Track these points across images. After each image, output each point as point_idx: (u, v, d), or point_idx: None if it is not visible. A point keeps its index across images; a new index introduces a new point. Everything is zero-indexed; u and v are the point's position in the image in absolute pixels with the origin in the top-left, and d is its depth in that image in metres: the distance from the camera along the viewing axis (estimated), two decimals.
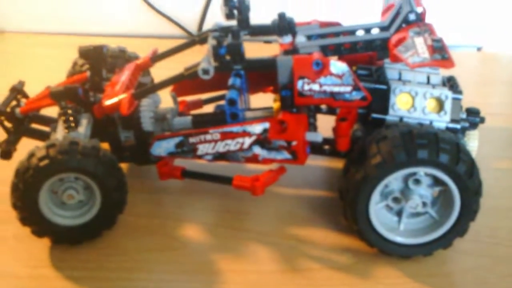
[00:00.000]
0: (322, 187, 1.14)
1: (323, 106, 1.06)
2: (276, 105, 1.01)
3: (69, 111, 0.99)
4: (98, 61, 1.05)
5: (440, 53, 0.89)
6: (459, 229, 0.93)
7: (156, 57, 1.10)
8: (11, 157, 1.03)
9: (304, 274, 0.95)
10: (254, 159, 0.98)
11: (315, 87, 0.92)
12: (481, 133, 1.04)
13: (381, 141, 0.90)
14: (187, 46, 1.09)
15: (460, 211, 0.92)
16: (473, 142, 1.03)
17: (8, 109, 1.05)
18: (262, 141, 0.96)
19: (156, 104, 1.04)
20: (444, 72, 0.99)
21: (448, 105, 0.95)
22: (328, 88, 0.92)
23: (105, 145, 1.03)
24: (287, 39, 1.02)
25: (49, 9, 1.82)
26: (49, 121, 1.08)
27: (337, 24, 1.08)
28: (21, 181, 0.89)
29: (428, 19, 0.99)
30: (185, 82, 1.01)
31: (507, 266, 0.97)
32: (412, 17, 0.97)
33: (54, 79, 1.14)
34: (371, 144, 0.91)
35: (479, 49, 1.83)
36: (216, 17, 1.72)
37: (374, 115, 0.97)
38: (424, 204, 0.93)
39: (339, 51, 1.00)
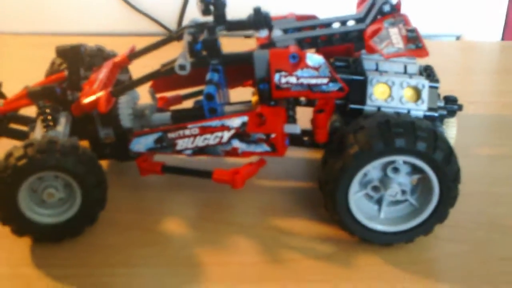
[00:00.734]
0: (303, 178, 1.14)
1: (302, 99, 1.06)
2: (254, 98, 1.01)
3: (47, 110, 0.99)
4: (76, 60, 1.05)
5: (414, 42, 0.90)
6: (439, 215, 0.94)
7: (134, 55, 1.10)
8: None
9: (286, 265, 0.95)
10: (234, 152, 0.99)
11: (292, 79, 0.93)
12: (461, 121, 1.05)
13: (359, 131, 0.90)
14: (165, 43, 1.09)
15: (439, 198, 0.93)
16: (451, 129, 1.04)
17: None
18: (241, 134, 0.97)
19: (134, 101, 1.04)
20: (422, 61, 1.00)
21: (425, 94, 0.96)
22: (305, 81, 0.93)
23: (85, 143, 1.04)
24: (264, 33, 1.02)
25: (25, 8, 1.81)
26: (28, 121, 1.08)
27: (313, 17, 1.09)
28: (0, 181, 0.89)
29: (406, 9, 1.00)
30: (164, 78, 1.01)
31: (488, 251, 0.98)
32: (386, 8, 0.98)
33: (32, 79, 1.13)
34: (349, 134, 0.91)
35: (458, 37, 1.84)
36: (195, 13, 1.75)
37: (352, 106, 0.98)
38: (404, 192, 0.94)
39: (316, 43, 1.01)
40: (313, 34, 1.00)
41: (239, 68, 1.02)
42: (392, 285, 0.92)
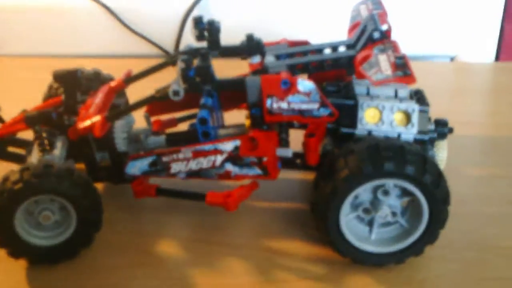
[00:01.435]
0: (296, 199, 1.16)
1: (295, 122, 1.08)
2: (248, 122, 1.03)
3: (44, 135, 1.01)
4: (73, 85, 1.07)
5: (402, 70, 0.92)
6: (429, 237, 0.96)
7: (130, 79, 1.12)
8: None
9: (280, 286, 0.97)
10: (227, 175, 1.00)
11: (284, 105, 0.95)
12: (454, 142, 1.07)
13: (349, 155, 0.92)
14: (160, 68, 1.11)
15: (429, 220, 0.94)
16: (442, 152, 1.05)
17: None
18: (234, 158, 0.98)
19: (129, 125, 1.06)
20: (415, 84, 1.01)
21: (415, 118, 0.98)
22: (296, 106, 0.95)
23: (81, 166, 1.06)
24: (256, 59, 1.04)
25: (23, 30, 1.83)
26: (26, 144, 1.10)
27: (306, 42, 1.11)
28: None
29: (401, 30, 1.01)
30: (159, 102, 1.03)
31: (478, 270, 0.99)
32: (376, 35, 1.00)
33: (30, 101, 1.15)
34: (339, 158, 0.93)
35: (452, 59, 1.86)
36: (192, 35, 1.77)
37: (344, 130, 1.00)
38: (394, 214, 0.96)
39: (307, 69, 1.03)
40: (305, 60, 1.02)
41: (233, 92, 1.04)
42: None
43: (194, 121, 1.12)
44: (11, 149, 1.11)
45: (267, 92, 0.94)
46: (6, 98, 1.22)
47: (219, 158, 0.99)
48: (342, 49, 1.06)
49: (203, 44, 1.06)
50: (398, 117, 0.99)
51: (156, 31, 1.83)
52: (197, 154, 0.99)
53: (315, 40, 1.12)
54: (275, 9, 1.80)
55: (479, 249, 1.03)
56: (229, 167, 0.99)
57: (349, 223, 0.97)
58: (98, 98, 1.06)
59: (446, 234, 0.97)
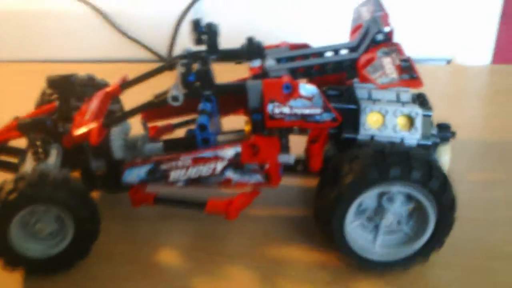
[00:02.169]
0: (297, 206, 1.13)
1: (295, 128, 1.06)
2: (247, 127, 1.01)
3: (38, 143, 0.98)
4: (67, 91, 1.04)
5: (408, 73, 0.90)
6: (435, 244, 0.94)
7: (126, 84, 1.09)
8: None
9: None
10: (227, 183, 0.98)
11: (286, 110, 0.93)
12: (453, 146, 1.05)
13: (353, 160, 0.90)
14: (157, 73, 1.09)
15: (435, 227, 0.93)
16: (445, 156, 1.03)
17: None
18: (235, 165, 0.96)
19: (126, 132, 1.04)
20: (414, 89, 1.00)
21: (418, 122, 0.96)
22: (298, 111, 0.93)
23: (76, 174, 1.03)
24: (257, 62, 1.02)
25: (15, 36, 1.80)
26: (18, 152, 1.06)
27: (306, 45, 1.09)
28: None
29: (397, 33, 1.00)
30: (156, 107, 1.00)
31: (483, 278, 0.97)
32: (379, 37, 0.98)
33: (22, 107, 1.13)
34: (344, 163, 0.91)
35: (448, 61, 1.85)
36: (186, 39, 1.75)
37: (346, 135, 0.97)
38: (399, 221, 0.94)
39: (309, 73, 1.00)
40: (307, 64, 1.00)
41: (232, 97, 1.01)
42: None
43: (191, 127, 1.10)
44: (2, 157, 1.08)
45: (268, 97, 0.92)
46: None
47: (220, 165, 0.96)
48: (344, 52, 1.04)
49: (202, 47, 1.04)
50: (401, 121, 0.97)
51: (149, 35, 1.81)
52: (196, 161, 0.96)
53: (313, 42, 1.10)
54: (271, 11, 1.78)
55: (484, 256, 1.01)
56: (230, 174, 0.97)
57: (353, 230, 0.95)
58: (94, 104, 1.04)
59: (450, 241, 0.95)
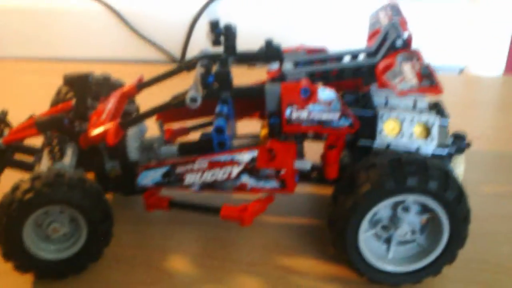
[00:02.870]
0: (309, 214, 1.13)
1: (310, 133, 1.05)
2: (263, 132, 1.00)
3: (54, 142, 0.98)
4: (83, 90, 1.04)
5: (428, 79, 0.89)
6: (448, 256, 0.93)
7: (142, 85, 1.09)
8: None
9: None
10: (242, 188, 0.97)
11: (303, 114, 0.92)
12: (465, 157, 1.04)
13: (370, 168, 0.89)
14: (174, 73, 1.08)
15: (449, 238, 0.92)
16: (459, 167, 1.02)
17: None
18: (250, 170, 0.95)
19: (142, 133, 1.03)
20: (430, 97, 0.99)
21: (435, 131, 0.95)
22: (316, 115, 0.92)
23: (90, 175, 1.02)
24: (274, 66, 1.02)
25: (31, 34, 1.81)
26: (33, 151, 1.06)
27: (324, 50, 1.08)
28: (5, 215, 0.87)
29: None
30: (171, 109, 1.00)
31: None
32: (399, 43, 0.98)
33: (37, 106, 1.13)
34: (360, 172, 0.90)
35: (461, 71, 1.84)
36: (200, 41, 1.75)
37: (362, 142, 0.97)
38: (413, 231, 0.93)
39: (327, 77, 1.00)
40: (325, 68, 1.00)
41: (247, 100, 1.01)
42: None
43: (206, 130, 1.10)
44: (17, 156, 1.08)
45: (286, 101, 0.91)
46: (12, 102, 1.19)
47: (235, 170, 0.96)
48: (361, 57, 1.03)
49: (219, 49, 1.03)
50: (417, 129, 0.96)
51: (163, 37, 1.81)
52: (212, 165, 0.96)
53: (330, 47, 1.09)
54: (286, 15, 1.78)
55: (495, 270, 1.00)
56: (245, 179, 0.96)
57: (367, 240, 0.94)
58: (110, 104, 1.03)
59: (462, 254, 0.94)
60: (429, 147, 0.96)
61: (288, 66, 1.01)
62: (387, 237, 0.95)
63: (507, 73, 1.81)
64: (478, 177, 1.25)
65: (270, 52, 1.02)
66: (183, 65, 1.08)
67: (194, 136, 1.11)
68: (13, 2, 1.81)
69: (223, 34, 1.02)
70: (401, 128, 0.95)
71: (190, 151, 1.01)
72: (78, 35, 1.81)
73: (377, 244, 0.96)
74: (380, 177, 0.88)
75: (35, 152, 1.05)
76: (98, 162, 1.01)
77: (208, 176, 0.97)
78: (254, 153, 0.94)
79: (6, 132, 1.05)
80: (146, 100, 1.09)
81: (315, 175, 1.05)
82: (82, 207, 0.89)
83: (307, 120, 0.92)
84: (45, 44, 1.82)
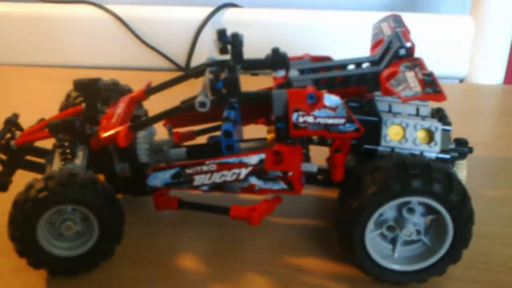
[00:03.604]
0: (315, 216, 1.15)
1: (315, 138, 1.07)
2: (270, 136, 1.02)
3: (66, 143, 1.00)
4: (94, 94, 1.06)
5: (431, 87, 0.91)
6: (453, 256, 0.95)
7: (151, 90, 1.11)
8: (7, 189, 1.04)
9: None
10: (251, 189, 0.99)
11: (310, 119, 0.94)
12: (467, 162, 1.06)
13: (376, 171, 0.91)
14: (182, 80, 1.10)
15: (453, 239, 0.93)
16: (461, 171, 1.05)
17: (3, 141, 1.05)
18: (259, 171, 0.97)
19: (151, 136, 1.05)
20: (433, 104, 1.01)
21: (438, 136, 0.98)
22: (322, 120, 0.94)
23: (100, 176, 1.04)
24: (281, 73, 1.04)
25: (40, 41, 1.83)
26: (44, 153, 1.08)
27: (328, 58, 1.11)
28: (20, 213, 0.89)
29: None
30: (179, 114, 1.02)
31: None
32: (402, 52, 1.00)
33: (45, 111, 1.14)
34: (366, 174, 0.92)
35: (461, 80, 1.87)
36: (204, 50, 1.77)
37: (367, 146, 0.99)
38: (418, 232, 0.95)
39: (332, 84, 1.02)
40: (330, 75, 1.02)
41: (254, 106, 1.03)
42: None
43: (212, 134, 1.12)
44: (28, 158, 1.10)
45: (293, 106, 0.94)
46: (21, 106, 1.21)
47: (244, 171, 0.98)
48: (365, 65, 1.06)
49: (226, 57, 1.05)
50: (421, 135, 0.98)
51: (168, 45, 1.83)
52: (221, 167, 0.98)
53: (333, 56, 1.12)
54: (289, 25, 1.80)
55: (499, 270, 1.03)
56: (253, 180, 0.98)
57: (373, 240, 0.96)
58: (120, 108, 1.05)
59: (466, 255, 0.96)
60: (432, 152, 0.98)
61: (294, 73, 1.03)
62: (393, 237, 0.97)
63: (507, 81, 1.84)
64: (480, 181, 1.27)
65: (276, 60, 1.04)
66: (190, 72, 1.10)
67: (201, 140, 1.14)
68: (23, 9, 1.84)
69: (230, 42, 1.04)
70: (405, 133, 0.98)
71: (199, 153, 1.03)
72: (85, 43, 1.83)
73: (383, 243, 0.98)
74: (386, 179, 0.90)
75: (46, 154, 1.07)
76: (108, 164, 1.03)
77: (217, 178, 0.99)
78: (261, 156, 0.97)
79: (18, 134, 1.07)
80: (154, 106, 1.11)
81: (321, 177, 1.07)
82: (94, 207, 0.91)
83: (313, 125, 0.95)
84: (53, 52, 1.84)
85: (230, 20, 1.80)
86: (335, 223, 0.97)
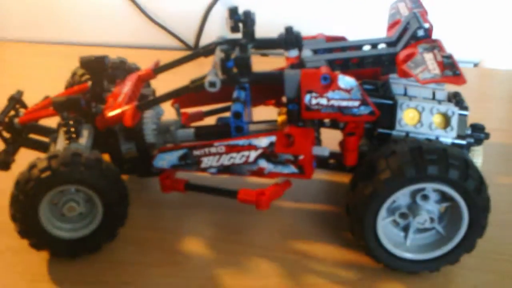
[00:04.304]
0: (324, 201, 1.12)
1: (327, 120, 1.04)
2: (280, 118, 0.99)
3: (71, 122, 0.97)
4: (100, 72, 1.03)
5: (451, 69, 0.88)
6: (467, 245, 0.93)
7: (159, 69, 1.08)
8: (10, 167, 1.02)
9: None
10: (260, 172, 0.96)
11: (323, 101, 0.91)
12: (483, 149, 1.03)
13: (390, 156, 0.89)
14: (192, 58, 1.08)
15: (468, 227, 0.91)
16: (477, 158, 1.02)
17: (7, 119, 1.03)
18: (268, 154, 0.95)
19: (158, 116, 1.02)
20: (449, 88, 0.98)
21: (454, 121, 0.95)
22: (336, 103, 0.91)
23: (105, 157, 1.02)
24: (294, 53, 1.01)
25: (46, 18, 1.80)
26: (48, 132, 1.06)
27: (343, 38, 1.07)
28: (22, 193, 0.87)
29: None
30: (188, 94, 0.99)
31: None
32: (420, 33, 0.97)
33: (51, 89, 1.12)
34: (380, 159, 0.90)
35: (475, 64, 1.83)
36: (214, 29, 1.74)
37: (381, 130, 0.96)
38: (432, 220, 0.92)
39: (347, 65, 0.99)
40: (345, 56, 0.99)
41: (264, 87, 1.00)
42: None
43: (221, 115, 1.09)
44: (32, 136, 1.08)
45: (306, 87, 0.91)
46: (27, 84, 1.19)
47: (253, 154, 0.95)
48: (382, 46, 1.02)
49: (237, 36, 1.02)
50: (437, 119, 0.96)
51: (177, 24, 1.80)
52: (230, 149, 0.95)
53: (348, 36, 1.08)
54: (302, 3, 1.76)
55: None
56: (263, 163, 0.95)
57: (385, 227, 0.93)
58: (127, 87, 1.03)
59: (480, 244, 0.93)
60: (448, 137, 0.95)
61: (307, 53, 1.00)
62: (405, 225, 0.94)
63: None
64: (495, 168, 1.25)
65: (289, 39, 1.01)
66: (200, 50, 1.07)
67: (210, 121, 1.11)
68: None
69: (241, 21, 1.01)
70: (420, 118, 0.95)
71: (207, 135, 1.00)
72: (93, 20, 1.80)
73: (395, 231, 0.95)
74: (400, 164, 0.87)
75: (51, 133, 1.04)
76: (113, 144, 1.01)
77: (226, 160, 0.96)
78: (272, 138, 0.94)
79: (22, 112, 1.05)
80: (162, 85, 1.08)
81: (333, 161, 1.05)
82: (98, 188, 0.89)
83: (327, 107, 0.92)
84: (61, 29, 1.81)
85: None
86: (347, 209, 0.94)
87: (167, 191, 1.02)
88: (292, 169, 0.95)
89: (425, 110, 0.95)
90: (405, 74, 0.91)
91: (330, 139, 1.04)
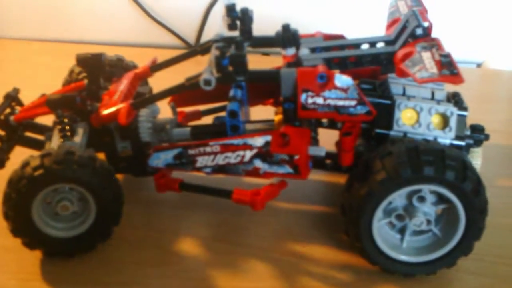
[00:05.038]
0: (321, 202, 1.11)
1: (324, 120, 1.03)
2: (277, 117, 0.98)
3: (65, 120, 0.97)
4: (96, 69, 1.02)
5: (448, 68, 0.87)
6: (464, 248, 0.91)
7: (156, 67, 1.08)
8: (4, 166, 1.01)
9: None
10: (255, 172, 0.96)
11: (319, 100, 0.90)
12: (482, 151, 1.02)
13: (386, 156, 0.88)
14: (188, 56, 1.07)
15: (465, 230, 0.90)
16: (476, 159, 1.01)
17: (2, 117, 1.03)
18: (264, 154, 0.94)
19: (154, 114, 1.02)
20: (448, 88, 0.97)
21: (453, 122, 0.94)
22: (332, 102, 0.90)
23: (100, 155, 1.01)
24: (291, 51, 1.00)
25: (44, 16, 1.80)
26: (44, 130, 1.05)
27: (341, 36, 1.07)
28: (14, 191, 0.87)
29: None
30: (184, 92, 0.99)
31: (510, 286, 0.95)
32: (419, 31, 0.95)
33: (48, 87, 1.12)
34: (376, 159, 0.89)
35: (478, 65, 1.82)
36: (215, 27, 1.73)
37: (378, 130, 0.95)
38: (428, 222, 0.91)
39: (344, 64, 0.98)
40: (343, 55, 0.98)
41: (262, 86, 0.99)
42: None
43: (218, 114, 1.08)
44: (27, 134, 1.07)
45: (302, 86, 0.90)
46: (24, 82, 1.18)
47: (248, 154, 0.94)
48: (380, 45, 1.01)
49: (235, 33, 1.01)
50: (435, 120, 0.95)
51: (178, 22, 1.79)
52: (225, 148, 0.94)
53: (346, 34, 1.07)
54: (302, 1, 1.75)
55: (510, 263, 0.99)
56: (258, 163, 0.94)
57: (381, 229, 0.92)
58: (123, 85, 1.02)
59: (478, 247, 0.92)
60: (446, 138, 0.94)
61: (304, 51, 0.99)
62: (402, 227, 0.93)
63: None
64: (495, 170, 1.23)
65: (286, 37, 0.99)
66: (197, 48, 1.07)
67: (206, 120, 1.10)
68: None
69: (239, 18, 1.00)
70: (418, 118, 0.94)
71: (203, 134, 0.99)
72: (93, 18, 1.79)
73: (391, 233, 0.94)
74: (397, 165, 0.86)
75: (46, 131, 1.04)
76: (109, 142, 1.00)
77: (221, 159, 0.95)
78: (267, 138, 0.93)
79: (17, 110, 1.04)
80: (159, 84, 1.07)
81: (329, 162, 1.04)
82: (92, 186, 0.88)
83: (323, 106, 0.91)
84: (59, 27, 1.80)
85: None
86: (342, 210, 0.93)
87: (162, 191, 1.01)
88: (288, 169, 0.95)
89: (424, 110, 0.94)
90: (402, 73, 0.90)
91: (328, 139, 1.02)
